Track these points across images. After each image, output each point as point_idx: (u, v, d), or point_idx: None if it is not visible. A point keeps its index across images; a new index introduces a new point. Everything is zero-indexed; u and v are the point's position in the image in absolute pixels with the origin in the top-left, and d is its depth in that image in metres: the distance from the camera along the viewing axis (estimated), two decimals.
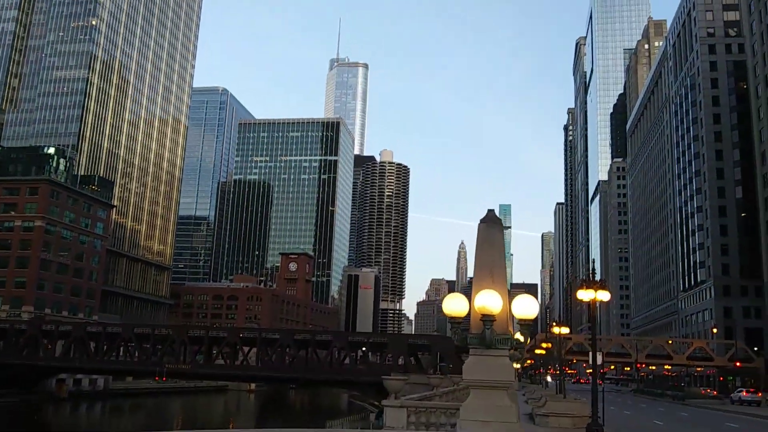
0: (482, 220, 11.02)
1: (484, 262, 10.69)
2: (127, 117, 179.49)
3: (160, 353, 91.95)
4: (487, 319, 9.91)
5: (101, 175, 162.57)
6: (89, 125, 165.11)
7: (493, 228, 10.86)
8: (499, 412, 10.04)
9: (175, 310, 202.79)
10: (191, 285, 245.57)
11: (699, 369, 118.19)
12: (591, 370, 30.04)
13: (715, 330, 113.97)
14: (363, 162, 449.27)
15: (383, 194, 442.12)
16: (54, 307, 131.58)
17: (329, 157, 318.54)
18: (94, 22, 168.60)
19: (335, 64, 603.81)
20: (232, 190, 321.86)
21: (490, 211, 11.10)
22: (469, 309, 10.48)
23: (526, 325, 10.46)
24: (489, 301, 9.80)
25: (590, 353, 32.71)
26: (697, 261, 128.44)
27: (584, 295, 24.80)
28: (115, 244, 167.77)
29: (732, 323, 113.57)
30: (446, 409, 18.35)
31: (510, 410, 10.26)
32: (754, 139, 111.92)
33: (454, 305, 10.53)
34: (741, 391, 77.27)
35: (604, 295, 24.17)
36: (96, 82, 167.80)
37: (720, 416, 49.00)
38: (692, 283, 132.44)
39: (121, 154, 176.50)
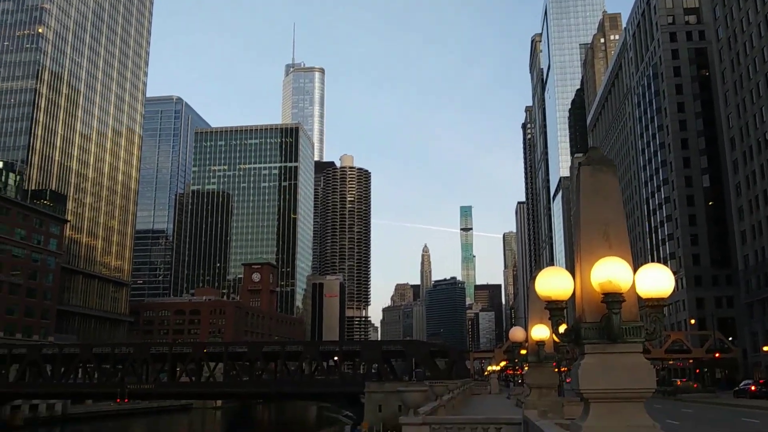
0: (583, 163, 7.41)
1: (594, 219, 6.94)
2: (78, 128, 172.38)
3: (121, 373, 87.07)
4: (614, 299, 6.46)
5: (53, 189, 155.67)
6: (39, 138, 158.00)
7: (602, 172, 7.22)
8: None
9: (135, 327, 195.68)
10: (151, 301, 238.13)
11: (671, 362, 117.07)
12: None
13: (692, 321, 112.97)
14: (323, 168, 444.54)
15: (345, 200, 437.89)
16: (7, 330, 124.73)
17: (289, 164, 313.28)
18: (40, 30, 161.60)
19: (291, 69, 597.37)
20: (190, 201, 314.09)
21: (594, 150, 7.55)
22: (573, 289, 7.24)
23: (659, 308, 7.10)
24: (616, 272, 6.37)
25: None
26: (667, 252, 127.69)
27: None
28: (70, 261, 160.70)
29: (705, 314, 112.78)
30: (478, 424, 15.12)
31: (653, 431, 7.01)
32: (721, 126, 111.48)
33: (554, 283, 7.14)
34: (749, 384, 66.85)
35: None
36: (45, 92, 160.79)
37: (728, 412, 46.54)
38: None
39: (74, 167, 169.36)
